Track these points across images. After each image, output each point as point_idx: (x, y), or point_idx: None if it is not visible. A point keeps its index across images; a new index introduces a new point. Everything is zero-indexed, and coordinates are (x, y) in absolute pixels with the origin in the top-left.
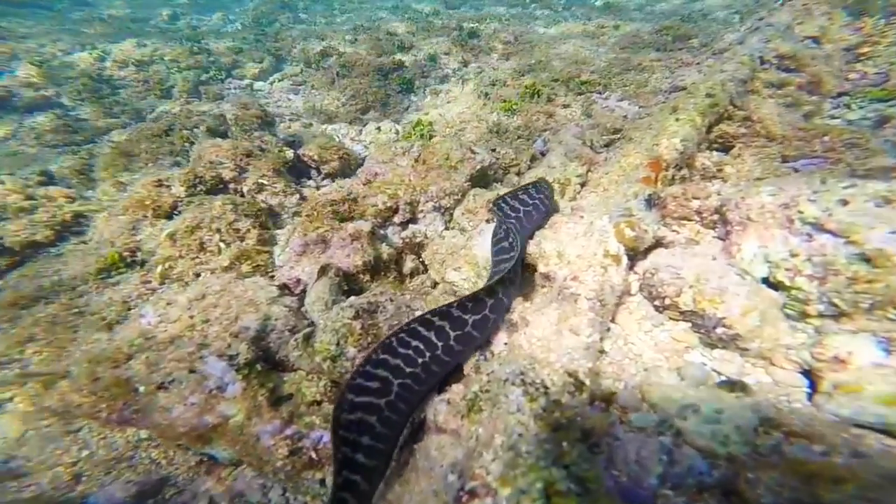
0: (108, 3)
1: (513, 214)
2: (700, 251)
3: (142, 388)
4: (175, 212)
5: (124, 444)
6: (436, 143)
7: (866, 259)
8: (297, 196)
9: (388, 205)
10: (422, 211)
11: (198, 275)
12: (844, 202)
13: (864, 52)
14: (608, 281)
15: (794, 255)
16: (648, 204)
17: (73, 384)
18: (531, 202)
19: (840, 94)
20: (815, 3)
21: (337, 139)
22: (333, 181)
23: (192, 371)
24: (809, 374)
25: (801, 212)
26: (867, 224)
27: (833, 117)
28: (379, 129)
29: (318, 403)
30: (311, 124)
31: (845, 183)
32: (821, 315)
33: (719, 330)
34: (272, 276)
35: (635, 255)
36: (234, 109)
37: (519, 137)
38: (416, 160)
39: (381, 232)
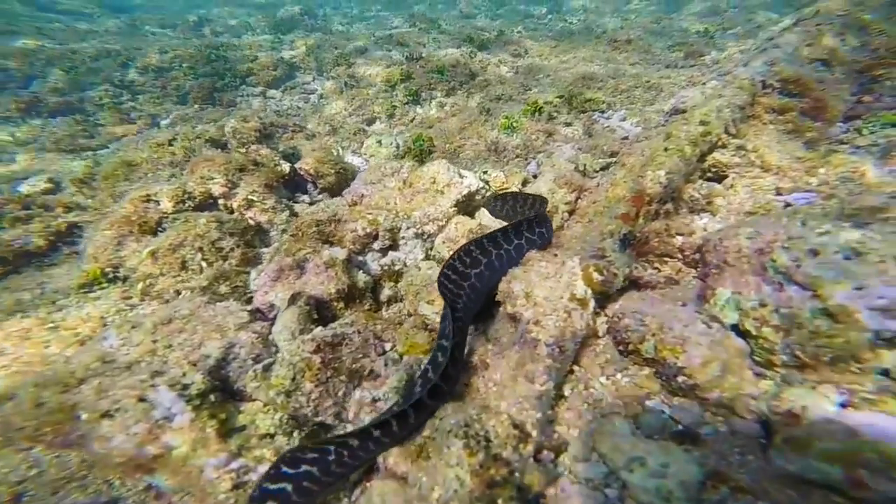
0: (141, 11)
1: (474, 271)
2: (672, 295)
3: (84, 416)
4: (160, 228)
5: (78, 463)
6: (424, 166)
7: (829, 314)
8: (288, 212)
9: (368, 231)
10: (403, 238)
11: (178, 292)
12: (815, 253)
13: (878, 73)
14: (570, 327)
15: (763, 305)
16: (623, 244)
17: (16, 407)
18: (510, 244)
19: (851, 118)
20: (827, 23)
21: (335, 152)
22: (330, 196)
23: (141, 400)
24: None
25: (773, 260)
26: (833, 279)
27: (842, 142)
28: (380, 142)
29: (272, 436)
30: (313, 135)
31: (821, 229)
32: (785, 365)
33: (680, 378)
34: (250, 298)
35: (606, 297)
36: (233, 122)
37: (517, 156)
38: (404, 182)
39: (360, 258)
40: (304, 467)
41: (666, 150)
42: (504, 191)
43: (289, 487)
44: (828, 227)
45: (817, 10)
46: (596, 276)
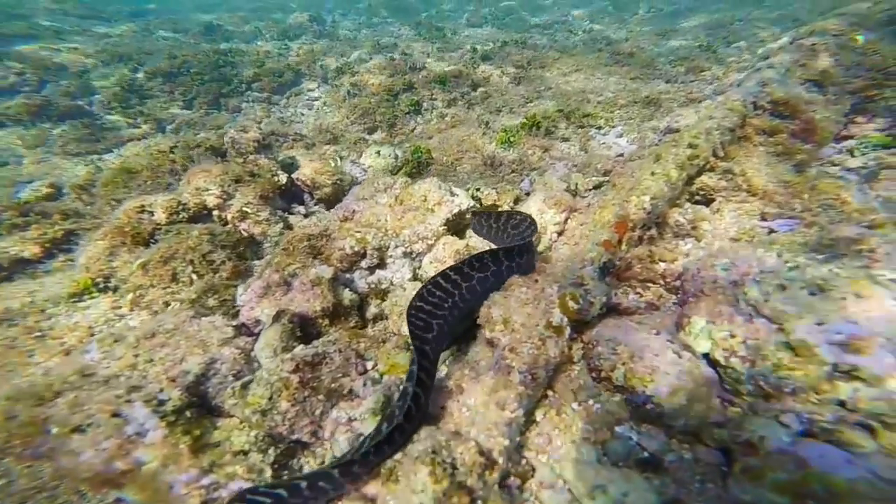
0: (156, 15)
1: (446, 305)
2: (648, 322)
3: (55, 430)
4: (153, 239)
5: (51, 473)
6: (415, 184)
7: (791, 348)
8: (281, 224)
9: (356, 249)
10: (391, 256)
11: (167, 304)
12: (783, 287)
13: (871, 94)
14: (543, 355)
15: (733, 336)
16: (603, 272)
17: None
18: (486, 272)
19: (845, 138)
20: (822, 43)
21: (333, 163)
22: (327, 207)
23: (115, 415)
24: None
25: (745, 293)
26: (797, 313)
27: (833, 164)
28: (378, 153)
29: (245, 453)
30: (313, 144)
31: (793, 263)
32: (751, 394)
33: (648, 406)
34: (236, 313)
35: (584, 323)
36: (232, 132)
37: (512, 172)
38: (396, 199)
39: (347, 276)
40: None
41: (653, 174)
42: (488, 209)
43: None
44: (801, 259)
45: (812, 30)
46: (572, 304)
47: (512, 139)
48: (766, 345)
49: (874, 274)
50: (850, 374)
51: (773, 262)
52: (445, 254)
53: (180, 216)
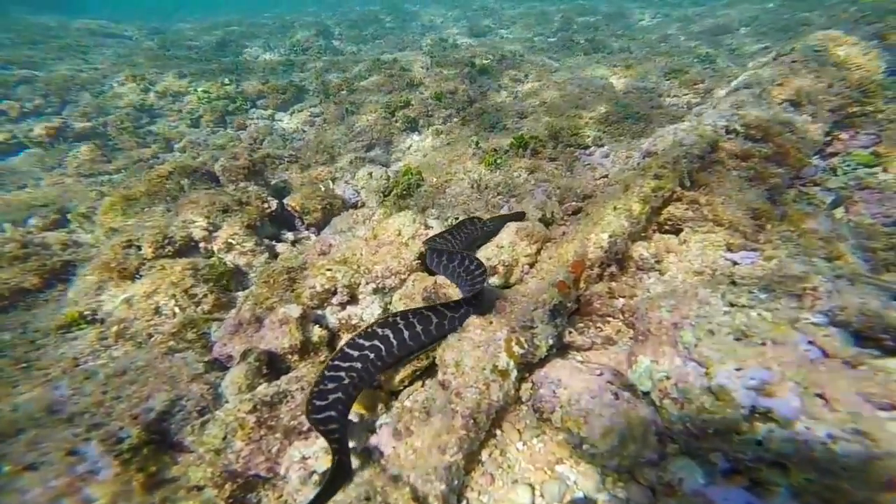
0: (177, 29)
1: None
2: (596, 360)
3: (6, 468)
4: (138, 274)
5: None
6: (390, 218)
7: (712, 392)
8: (267, 254)
9: (327, 287)
10: (362, 293)
11: (150, 335)
12: (711, 333)
13: (853, 111)
14: (486, 399)
15: (668, 378)
16: (553, 314)
17: None
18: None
19: (831, 155)
20: (802, 60)
21: (324, 188)
22: (317, 231)
23: (71, 453)
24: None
25: (681, 336)
26: (719, 359)
27: (815, 183)
28: (371, 174)
29: (200, 489)
30: (308, 165)
31: (728, 307)
32: (682, 434)
33: (584, 447)
34: (212, 347)
35: (532, 364)
36: (223, 160)
37: (497, 195)
38: (371, 232)
39: (318, 312)
40: None
41: (615, 208)
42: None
43: None
44: (744, 300)
45: (793, 48)
46: (517, 348)
47: (499, 161)
48: (692, 388)
49: (799, 317)
50: (767, 416)
51: (715, 304)
52: (415, 290)
53: (167, 250)
